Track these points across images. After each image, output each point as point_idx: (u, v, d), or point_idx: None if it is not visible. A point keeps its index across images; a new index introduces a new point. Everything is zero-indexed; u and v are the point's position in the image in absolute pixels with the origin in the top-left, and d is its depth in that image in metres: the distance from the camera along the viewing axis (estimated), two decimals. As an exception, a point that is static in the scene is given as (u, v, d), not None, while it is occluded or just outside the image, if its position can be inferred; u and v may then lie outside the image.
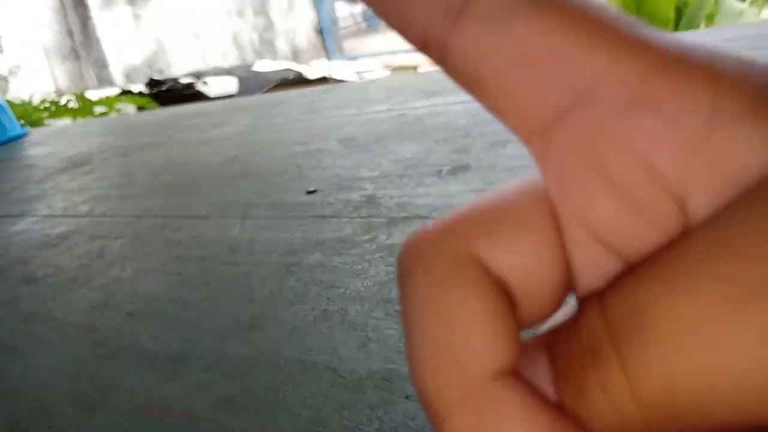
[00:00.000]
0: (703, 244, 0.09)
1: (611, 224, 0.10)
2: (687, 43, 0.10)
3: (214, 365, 0.56)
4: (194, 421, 0.49)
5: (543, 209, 0.11)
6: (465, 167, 0.89)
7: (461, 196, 0.79)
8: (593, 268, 0.11)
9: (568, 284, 0.11)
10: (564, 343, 0.11)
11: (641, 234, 0.10)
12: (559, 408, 0.10)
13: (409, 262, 0.11)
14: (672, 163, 0.09)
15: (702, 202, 0.09)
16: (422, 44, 0.11)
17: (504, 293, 0.11)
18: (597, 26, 0.10)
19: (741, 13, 2.73)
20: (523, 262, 0.11)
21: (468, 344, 0.10)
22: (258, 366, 0.54)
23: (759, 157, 0.09)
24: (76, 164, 1.58)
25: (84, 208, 1.15)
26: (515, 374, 0.10)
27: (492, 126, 1.05)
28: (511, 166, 0.85)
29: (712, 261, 0.09)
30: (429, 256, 0.11)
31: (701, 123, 0.09)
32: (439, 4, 0.10)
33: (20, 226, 1.13)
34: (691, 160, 0.09)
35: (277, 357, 0.55)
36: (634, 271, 0.10)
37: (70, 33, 7.55)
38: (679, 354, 0.09)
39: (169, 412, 0.51)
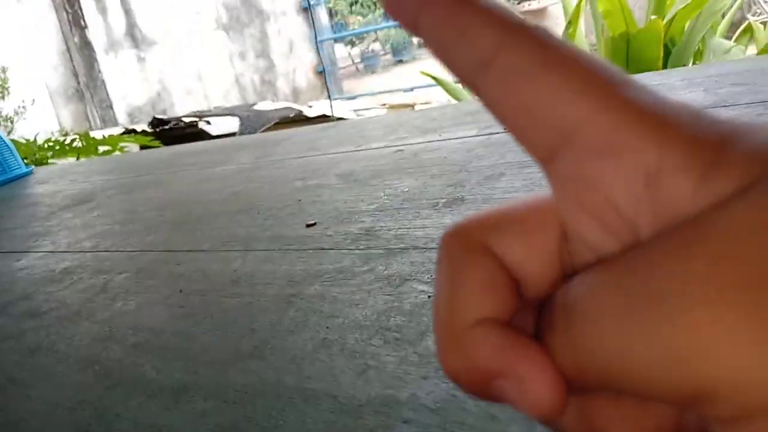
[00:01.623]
0: (627, 258, 0.12)
1: (590, 235, 0.14)
2: (655, 98, 0.13)
3: (216, 394, 0.57)
4: (196, 449, 0.50)
5: (545, 216, 0.15)
6: (460, 200, 0.91)
7: (458, 227, 0.81)
8: (581, 259, 0.14)
9: (560, 273, 0.15)
10: (542, 313, 0.14)
11: (609, 243, 0.13)
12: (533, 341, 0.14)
13: (439, 250, 0.15)
14: (628, 200, 0.13)
15: (649, 227, 0.13)
16: (466, 83, 0.15)
17: (504, 270, 0.15)
18: (586, 80, 0.13)
19: (728, 50, 2.79)
20: (520, 255, 0.15)
21: (458, 299, 0.14)
22: (259, 394, 0.55)
23: (690, 201, 0.12)
24: (80, 201, 1.60)
25: (88, 244, 1.17)
26: (499, 324, 0.14)
27: (486, 161, 1.07)
28: (504, 198, 0.87)
29: (628, 272, 0.12)
30: (452, 244, 0.15)
31: (651, 170, 0.12)
32: (473, 59, 0.14)
33: (24, 261, 1.15)
34: (641, 199, 0.13)
35: (278, 385, 0.56)
36: (588, 270, 0.13)
37: (75, 75, 7.69)
38: (596, 336, 0.12)
39: (171, 440, 0.52)
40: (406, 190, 1.04)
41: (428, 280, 0.69)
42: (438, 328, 0.15)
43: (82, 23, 7.46)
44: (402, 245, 0.80)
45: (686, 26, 2.82)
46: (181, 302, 0.79)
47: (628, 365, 0.11)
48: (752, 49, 3.09)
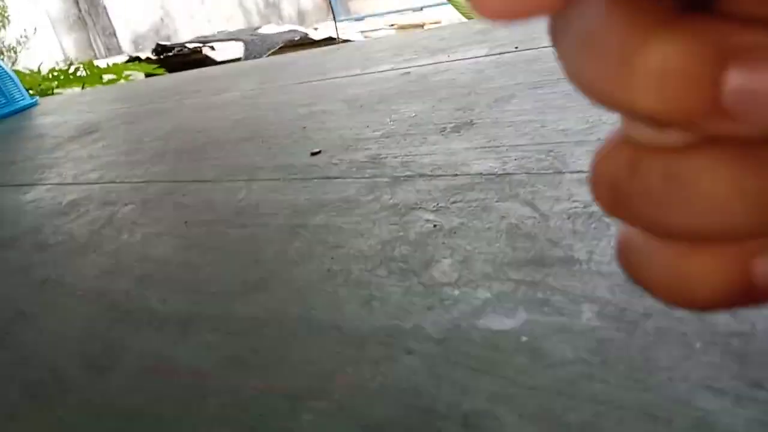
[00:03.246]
0: None
1: None
2: None
3: (221, 326, 0.57)
4: (202, 381, 0.50)
5: None
6: (469, 124, 0.88)
7: (464, 153, 0.79)
8: None
9: None
10: None
11: None
12: None
13: None
14: None
15: None
16: None
17: None
18: None
19: None
20: None
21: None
22: (264, 325, 0.55)
23: None
24: (85, 132, 1.58)
25: (94, 176, 1.16)
26: None
27: (496, 82, 1.04)
28: (514, 122, 0.84)
29: None
30: None
31: None
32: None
33: (32, 194, 1.15)
34: None
35: (283, 316, 0.56)
36: None
37: (76, 2, 7.49)
38: None
39: (177, 372, 0.53)
40: (413, 115, 1.01)
41: (434, 209, 0.68)
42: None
43: (79, -54, 7.21)
44: (408, 173, 0.79)
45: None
46: (187, 233, 0.79)
47: None
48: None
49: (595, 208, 0.59)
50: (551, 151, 0.73)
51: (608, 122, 0.76)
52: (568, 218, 0.58)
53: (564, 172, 0.67)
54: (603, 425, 0.36)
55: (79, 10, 7.52)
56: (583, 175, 0.66)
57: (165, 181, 1.02)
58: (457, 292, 0.52)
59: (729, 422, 0.34)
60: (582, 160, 0.69)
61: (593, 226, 0.56)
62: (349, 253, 0.64)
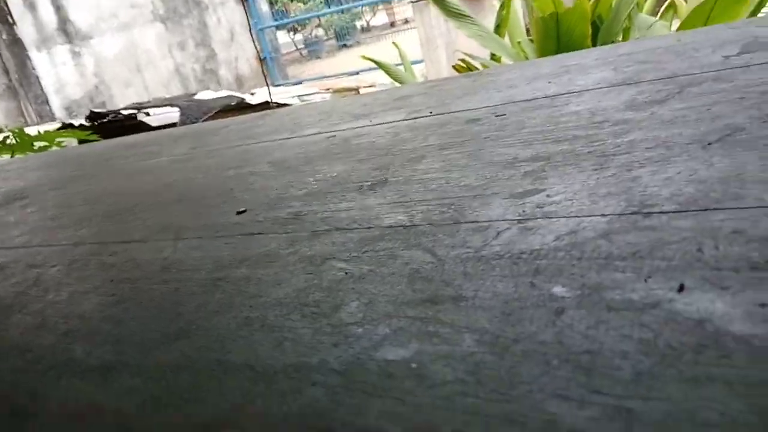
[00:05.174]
0: None
1: None
2: None
3: (142, 372, 0.61)
4: (124, 421, 0.54)
5: None
6: (384, 182, 0.96)
7: (378, 208, 0.86)
8: None
9: None
10: None
11: None
12: None
13: None
14: None
15: None
16: None
17: None
18: None
19: (650, 26, 2.92)
20: None
21: None
22: (183, 369, 0.59)
23: None
24: (12, 199, 1.59)
25: (20, 240, 1.17)
26: None
27: (410, 144, 1.13)
28: (423, 179, 0.92)
29: None
30: None
31: None
32: None
33: (-44, 260, 1.15)
34: None
35: (201, 361, 0.60)
36: None
37: (6, 72, 7.40)
38: None
39: (101, 416, 0.56)
40: (335, 174, 1.08)
41: (347, 258, 0.74)
42: None
43: (10, 20, 7.18)
44: (326, 227, 0.85)
45: (613, 4, 2.94)
46: (112, 290, 0.82)
47: None
48: (677, 24, 3.23)
49: (484, 252, 0.66)
50: (452, 204, 0.81)
51: (502, 178, 0.85)
52: (461, 262, 0.66)
53: (461, 222, 0.75)
54: (472, 432, 0.42)
55: (9, 80, 7.43)
56: (478, 225, 0.74)
57: (92, 243, 1.05)
58: (360, 330, 0.58)
59: (572, 422, 0.41)
60: (477, 211, 0.77)
61: (481, 268, 0.63)
62: (266, 301, 0.69)
